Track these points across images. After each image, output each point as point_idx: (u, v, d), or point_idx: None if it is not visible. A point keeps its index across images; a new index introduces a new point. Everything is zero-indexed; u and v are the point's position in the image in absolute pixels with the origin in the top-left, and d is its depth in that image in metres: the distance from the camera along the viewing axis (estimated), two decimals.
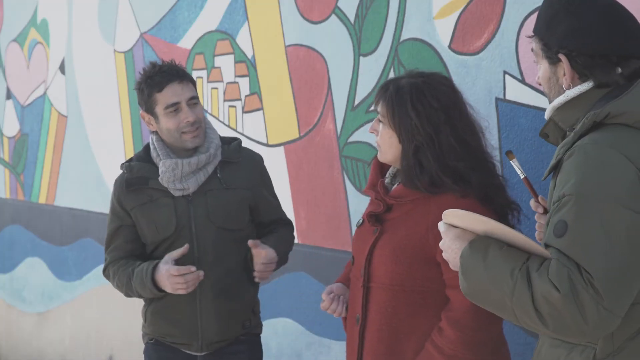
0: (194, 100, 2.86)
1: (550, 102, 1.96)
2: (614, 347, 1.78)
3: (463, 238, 1.90)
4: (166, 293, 2.82)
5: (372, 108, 3.35)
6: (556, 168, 1.84)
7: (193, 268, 2.74)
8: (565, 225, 1.73)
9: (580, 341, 1.81)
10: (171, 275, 2.72)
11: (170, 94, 2.82)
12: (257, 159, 3.04)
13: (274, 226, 3.05)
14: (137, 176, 2.90)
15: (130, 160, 2.98)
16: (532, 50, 1.98)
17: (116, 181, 2.98)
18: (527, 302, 1.73)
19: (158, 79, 2.82)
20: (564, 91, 1.90)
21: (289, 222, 3.12)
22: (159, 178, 2.86)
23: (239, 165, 2.96)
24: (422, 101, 2.35)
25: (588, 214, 1.71)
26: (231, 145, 2.98)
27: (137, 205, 2.89)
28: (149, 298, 2.93)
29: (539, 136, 2.07)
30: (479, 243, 1.86)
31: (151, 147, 2.93)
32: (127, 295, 2.92)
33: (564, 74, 1.89)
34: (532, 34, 1.97)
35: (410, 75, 2.43)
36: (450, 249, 1.93)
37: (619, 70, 1.85)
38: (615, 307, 1.69)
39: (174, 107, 2.82)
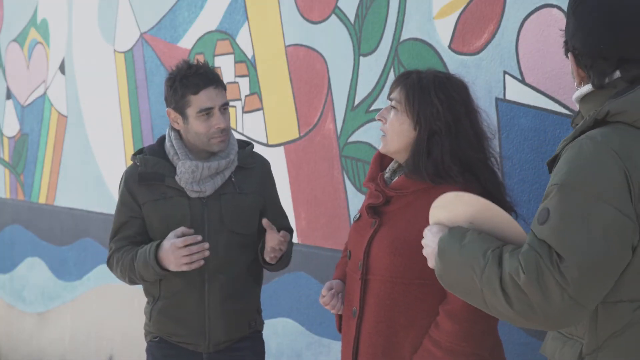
0: (225, 107, 2.85)
1: None
2: (598, 343, 1.80)
3: (444, 230, 1.96)
4: (175, 291, 2.84)
5: (371, 108, 3.35)
6: (554, 162, 1.87)
7: (199, 237, 2.72)
8: (548, 212, 1.76)
9: (547, 328, 1.85)
10: (176, 248, 2.69)
11: (206, 98, 2.81)
12: (267, 165, 3.05)
13: None
14: (153, 171, 2.87)
15: (141, 152, 2.94)
16: None
17: (127, 172, 2.92)
18: (495, 281, 1.78)
19: (195, 81, 2.80)
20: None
21: (291, 230, 3.10)
22: (177, 178, 2.84)
23: (252, 170, 2.97)
24: (445, 91, 2.39)
25: (569, 203, 1.74)
26: (245, 149, 2.98)
27: (150, 201, 2.86)
28: (154, 297, 2.92)
29: (570, 126, 2.09)
30: (458, 229, 1.93)
31: (167, 144, 2.90)
32: (131, 281, 2.88)
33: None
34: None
35: (430, 71, 2.47)
36: (432, 242, 1.98)
37: (618, 74, 1.85)
38: (580, 297, 1.71)
39: (207, 112, 2.81)
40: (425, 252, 2.02)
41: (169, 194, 2.86)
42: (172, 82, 2.84)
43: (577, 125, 2.01)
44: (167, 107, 2.89)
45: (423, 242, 2.03)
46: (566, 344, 1.86)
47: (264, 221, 2.80)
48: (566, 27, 1.93)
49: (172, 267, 2.73)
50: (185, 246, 2.71)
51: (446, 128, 2.36)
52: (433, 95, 2.38)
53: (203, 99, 2.80)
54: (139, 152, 2.94)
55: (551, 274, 1.71)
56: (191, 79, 2.81)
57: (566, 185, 1.75)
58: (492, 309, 1.82)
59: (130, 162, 2.96)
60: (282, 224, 3.04)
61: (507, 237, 1.88)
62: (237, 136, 3.89)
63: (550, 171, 1.90)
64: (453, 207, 1.96)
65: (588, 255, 1.71)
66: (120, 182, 2.95)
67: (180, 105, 2.83)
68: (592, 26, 1.86)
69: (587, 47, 1.87)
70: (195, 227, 2.84)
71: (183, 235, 2.75)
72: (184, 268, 2.72)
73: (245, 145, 3.00)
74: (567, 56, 1.95)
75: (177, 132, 2.90)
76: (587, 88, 1.89)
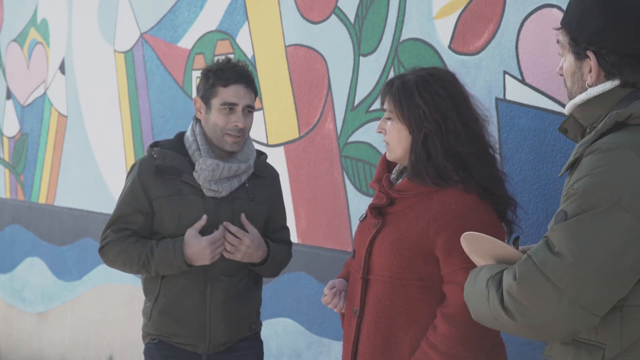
0: (249, 109, 2.88)
1: (570, 96, 1.95)
2: (622, 347, 1.76)
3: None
4: (177, 290, 2.85)
5: (371, 108, 3.35)
6: (573, 165, 1.84)
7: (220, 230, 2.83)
8: (565, 215, 1.75)
9: (558, 337, 1.82)
10: (214, 243, 2.78)
11: (232, 93, 2.84)
12: (278, 176, 3.09)
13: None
14: (170, 165, 2.87)
15: (157, 144, 2.94)
16: (558, 42, 1.97)
17: (142, 163, 2.91)
18: (498, 303, 1.79)
19: (228, 75, 2.85)
20: (587, 88, 1.89)
21: (289, 243, 3.12)
22: (195, 174, 2.84)
23: (265, 180, 3.00)
24: (429, 90, 2.39)
25: (587, 207, 1.72)
26: (260, 158, 3.02)
27: (164, 196, 2.85)
28: (154, 296, 2.90)
29: (557, 131, 2.07)
30: (477, 268, 1.95)
31: (190, 137, 2.90)
32: (134, 270, 2.86)
33: (590, 71, 1.88)
34: (560, 26, 1.96)
35: (414, 71, 2.47)
36: None
37: None
38: (583, 300, 1.70)
39: (230, 107, 2.84)
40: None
41: (184, 191, 2.86)
42: (207, 72, 2.89)
43: (565, 129, 1.99)
44: (196, 95, 2.92)
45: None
46: (581, 349, 1.82)
47: (242, 217, 2.87)
48: (582, 26, 1.87)
49: (207, 261, 2.80)
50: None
51: (436, 127, 2.37)
52: (417, 97, 2.38)
53: (230, 93, 2.84)
54: (154, 145, 2.94)
55: (546, 279, 1.71)
56: (226, 72, 2.85)
57: (586, 191, 1.73)
58: (510, 330, 1.82)
59: (131, 159, 2.97)
60: (281, 236, 3.06)
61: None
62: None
63: (570, 173, 1.86)
64: (472, 248, 1.98)
65: (596, 260, 1.69)
66: (132, 171, 2.92)
67: (207, 94, 2.87)
68: (630, 26, 1.82)
69: (622, 46, 1.83)
70: (207, 225, 2.85)
71: (201, 227, 2.83)
72: (217, 257, 2.82)
73: (259, 155, 3.03)
74: (579, 54, 1.89)
75: (201, 127, 2.91)
76: (607, 86, 1.85)
